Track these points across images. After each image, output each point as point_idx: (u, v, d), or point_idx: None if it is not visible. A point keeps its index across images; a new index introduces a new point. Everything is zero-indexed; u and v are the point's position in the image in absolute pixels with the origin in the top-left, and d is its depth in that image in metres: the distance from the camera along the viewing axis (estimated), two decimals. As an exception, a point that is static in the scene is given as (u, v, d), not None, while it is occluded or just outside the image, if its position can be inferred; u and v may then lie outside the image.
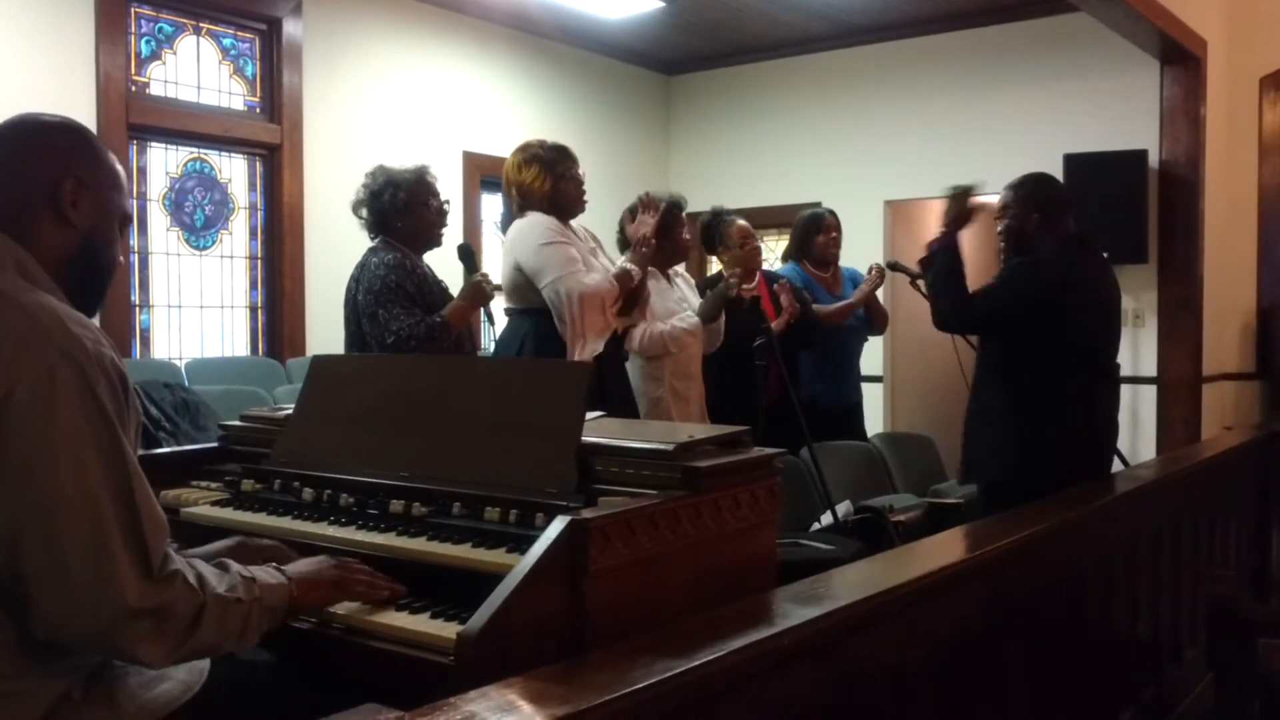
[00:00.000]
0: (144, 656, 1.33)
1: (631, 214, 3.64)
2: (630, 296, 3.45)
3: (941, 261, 3.30)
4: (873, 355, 5.04)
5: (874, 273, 4.58)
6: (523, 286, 3.32)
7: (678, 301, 3.95)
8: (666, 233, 3.76)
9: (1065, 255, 3.22)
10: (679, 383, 3.83)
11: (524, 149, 3.45)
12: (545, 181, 3.37)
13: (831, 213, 4.80)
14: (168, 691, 1.46)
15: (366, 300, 3.16)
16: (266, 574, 1.51)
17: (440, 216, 3.38)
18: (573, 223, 3.48)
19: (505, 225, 3.47)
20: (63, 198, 1.46)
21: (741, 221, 4.42)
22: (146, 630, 1.32)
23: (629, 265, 3.41)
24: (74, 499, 1.29)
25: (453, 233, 3.59)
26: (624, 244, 3.80)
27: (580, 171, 3.47)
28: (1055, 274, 3.18)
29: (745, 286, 4.11)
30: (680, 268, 4.13)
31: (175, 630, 1.34)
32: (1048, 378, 3.15)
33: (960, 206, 3.34)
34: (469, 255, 3.49)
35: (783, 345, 4.16)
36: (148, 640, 1.32)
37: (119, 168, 1.56)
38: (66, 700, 1.36)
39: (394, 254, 3.22)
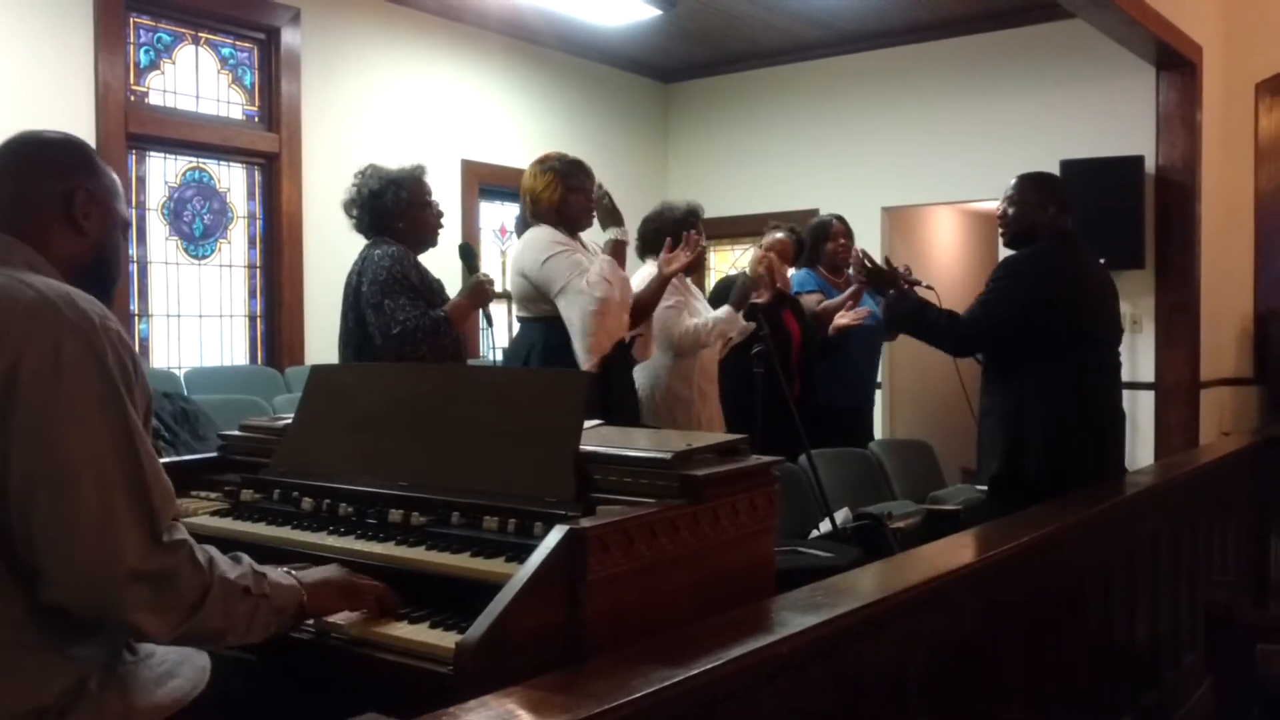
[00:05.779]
0: (144, 627, 1.35)
1: (655, 231, 3.71)
2: (646, 305, 3.52)
3: (899, 313, 3.38)
4: (871, 362, 5.07)
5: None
6: (530, 295, 3.34)
7: (700, 302, 4.03)
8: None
9: (1059, 248, 3.23)
10: (706, 385, 3.90)
11: (543, 160, 3.48)
12: (555, 192, 3.39)
13: (840, 219, 4.91)
14: (179, 687, 1.49)
15: (371, 291, 3.14)
16: (279, 575, 1.54)
17: (439, 217, 3.40)
18: (584, 238, 3.50)
19: (520, 232, 3.51)
20: (75, 209, 1.54)
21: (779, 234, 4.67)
22: (146, 599, 1.34)
23: (616, 235, 3.42)
24: (81, 464, 1.32)
25: (451, 240, 3.62)
26: (643, 252, 3.94)
27: (596, 186, 3.48)
28: (1047, 266, 3.18)
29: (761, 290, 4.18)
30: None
31: (178, 607, 1.37)
32: (1042, 370, 3.13)
33: (877, 275, 3.49)
34: (470, 254, 3.50)
35: (803, 357, 4.24)
36: (146, 610, 1.34)
37: (116, 177, 1.65)
38: (83, 690, 1.37)
39: (396, 247, 3.23)
